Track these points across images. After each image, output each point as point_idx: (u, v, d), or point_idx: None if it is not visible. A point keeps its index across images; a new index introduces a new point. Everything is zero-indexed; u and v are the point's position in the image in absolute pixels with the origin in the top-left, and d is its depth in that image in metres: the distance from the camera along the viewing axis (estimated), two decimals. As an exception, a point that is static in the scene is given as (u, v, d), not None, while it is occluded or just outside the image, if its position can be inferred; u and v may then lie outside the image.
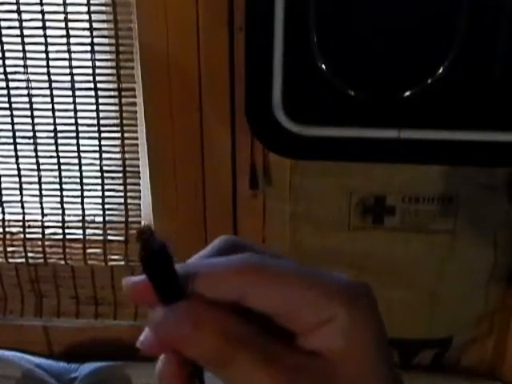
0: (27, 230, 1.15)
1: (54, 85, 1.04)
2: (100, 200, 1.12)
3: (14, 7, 0.99)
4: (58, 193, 1.12)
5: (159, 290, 0.28)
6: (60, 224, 1.14)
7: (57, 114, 1.06)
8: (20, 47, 1.02)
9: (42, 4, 0.98)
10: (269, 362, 0.27)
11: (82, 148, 1.08)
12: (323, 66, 0.76)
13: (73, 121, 1.06)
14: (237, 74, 0.97)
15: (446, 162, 0.93)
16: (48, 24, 1.00)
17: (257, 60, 0.78)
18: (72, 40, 1.01)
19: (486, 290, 1.11)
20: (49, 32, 1.00)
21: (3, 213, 1.14)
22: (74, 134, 1.07)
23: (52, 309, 1.23)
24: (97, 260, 1.16)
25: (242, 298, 0.28)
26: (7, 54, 1.03)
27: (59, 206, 1.13)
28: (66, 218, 1.14)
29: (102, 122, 1.06)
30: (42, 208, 1.13)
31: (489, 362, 1.18)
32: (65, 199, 1.12)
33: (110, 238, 1.14)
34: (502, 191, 1.04)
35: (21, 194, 1.12)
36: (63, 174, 1.11)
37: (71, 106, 1.05)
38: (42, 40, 1.01)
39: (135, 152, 1.08)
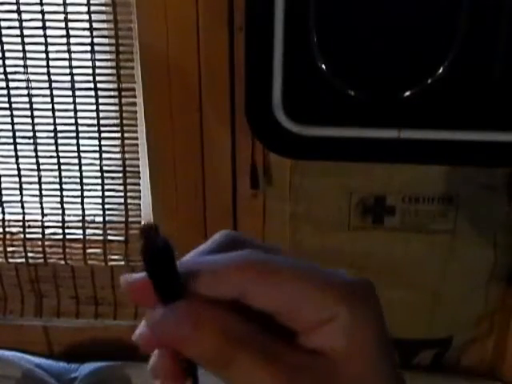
0: (27, 230, 1.15)
1: (54, 85, 1.04)
2: (100, 200, 1.12)
3: (14, 7, 0.99)
4: (58, 193, 1.12)
5: (159, 288, 0.28)
6: (60, 224, 1.14)
7: (57, 114, 1.06)
8: (20, 47, 1.02)
9: (41, 4, 0.98)
10: (270, 361, 0.27)
11: (81, 148, 1.08)
12: (323, 66, 0.76)
13: (73, 121, 1.06)
14: (237, 74, 0.97)
15: (446, 162, 0.93)
16: (48, 24, 1.00)
17: (257, 60, 0.78)
18: (72, 40, 1.01)
19: (486, 290, 1.11)
20: (49, 32, 1.00)
21: (3, 213, 1.14)
22: (73, 134, 1.07)
23: (52, 309, 1.23)
24: (97, 260, 1.16)
25: (242, 295, 0.28)
26: (7, 54, 1.03)
27: (59, 206, 1.13)
28: (66, 218, 1.14)
29: (102, 121, 1.06)
30: (41, 208, 1.13)
31: (489, 362, 1.18)
32: (65, 199, 1.12)
33: (109, 238, 1.14)
34: (502, 191, 1.04)
35: (21, 194, 1.12)
36: (63, 174, 1.11)
37: (71, 106, 1.05)
38: (42, 40, 1.01)
39: (135, 152, 1.08)
